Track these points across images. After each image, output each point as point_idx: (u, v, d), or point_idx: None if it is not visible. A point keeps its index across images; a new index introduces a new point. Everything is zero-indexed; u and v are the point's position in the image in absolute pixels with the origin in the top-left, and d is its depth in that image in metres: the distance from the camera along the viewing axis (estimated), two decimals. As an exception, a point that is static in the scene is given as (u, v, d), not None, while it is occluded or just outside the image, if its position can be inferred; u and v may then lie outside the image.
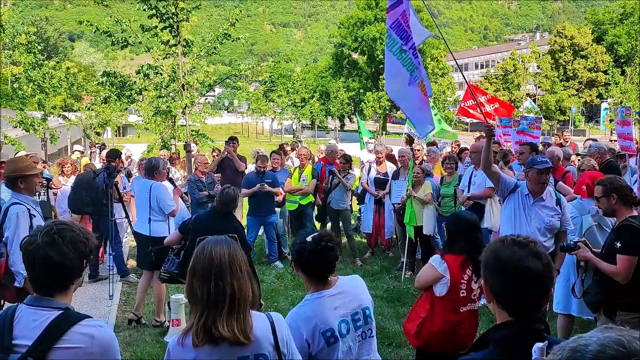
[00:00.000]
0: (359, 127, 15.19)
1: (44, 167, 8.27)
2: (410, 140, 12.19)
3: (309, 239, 2.74)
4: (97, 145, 15.97)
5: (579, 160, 8.77)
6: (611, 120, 32.54)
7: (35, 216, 4.63)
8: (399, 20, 5.52)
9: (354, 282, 2.92)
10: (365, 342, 2.82)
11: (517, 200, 5.02)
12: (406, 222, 8.09)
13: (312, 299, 2.76)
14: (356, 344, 2.77)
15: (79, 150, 13.78)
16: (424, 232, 8.10)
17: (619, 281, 3.93)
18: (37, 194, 7.99)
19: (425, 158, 9.99)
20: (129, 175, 9.96)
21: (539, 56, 55.91)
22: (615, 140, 12.66)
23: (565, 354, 1.17)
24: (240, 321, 2.21)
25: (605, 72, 48.98)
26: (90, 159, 14.35)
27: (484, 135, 5.15)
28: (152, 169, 6.59)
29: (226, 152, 9.99)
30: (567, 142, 12.28)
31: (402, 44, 5.57)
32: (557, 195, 5.09)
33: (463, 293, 3.80)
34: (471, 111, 14.10)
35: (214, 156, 10.95)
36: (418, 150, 10.19)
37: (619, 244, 3.94)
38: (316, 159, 11.25)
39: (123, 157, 12.58)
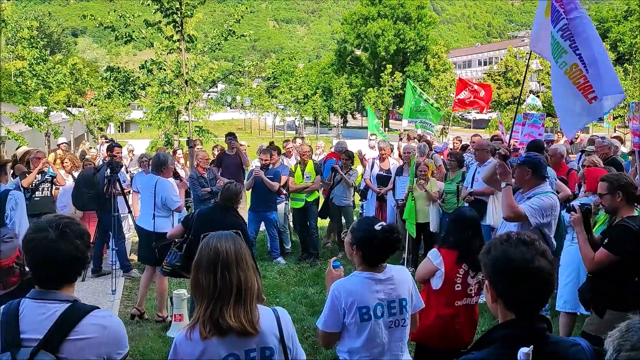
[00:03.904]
0: (368, 120, 14.97)
1: (47, 164, 8.26)
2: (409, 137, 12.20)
3: (377, 227, 2.93)
4: (106, 141, 15.83)
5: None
6: (615, 118, 32.47)
7: None
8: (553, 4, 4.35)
9: (400, 273, 3.05)
10: (397, 330, 2.99)
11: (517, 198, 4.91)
12: (405, 218, 8.11)
13: (360, 276, 2.96)
14: (387, 329, 2.94)
15: (65, 143, 12.77)
16: (431, 229, 8.12)
17: (586, 266, 3.97)
18: (41, 189, 8.05)
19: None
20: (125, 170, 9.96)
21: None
22: (617, 137, 12.66)
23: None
24: (247, 312, 2.23)
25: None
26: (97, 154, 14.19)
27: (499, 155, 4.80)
28: (160, 164, 6.52)
29: (235, 148, 9.98)
30: (577, 138, 12.29)
31: (552, 29, 4.42)
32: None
33: (458, 287, 3.83)
34: (466, 100, 14.10)
35: (214, 153, 10.93)
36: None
37: (606, 240, 3.89)
38: (314, 155, 11.27)
39: (125, 152, 12.58)
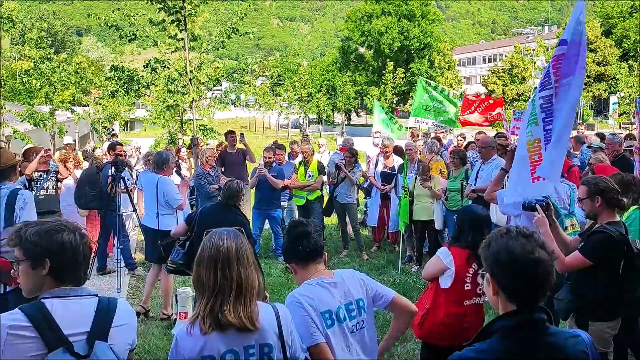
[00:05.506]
0: (374, 114, 14.77)
1: (49, 156, 8.28)
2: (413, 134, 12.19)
3: (286, 229, 2.96)
4: (109, 136, 15.82)
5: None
6: (620, 115, 32.32)
7: None
8: (548, 68, 4.14)
9: (349, 274, 2.92)
10: (358, 333, 2.84)
11: None
12: (397, 214, 8.21)
13: (313, 283, 2.78)
14: (350, 333, 2.79)
15: (70, 143, 12.82)
16: (436, 227, 8.13)
17: (557, 267, 3.76)
18: (45, 187, 8.06)
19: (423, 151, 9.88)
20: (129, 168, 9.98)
21: (547, 50, 55.43)
22: (629, 135, 12.60)
23: None
24: (247, 308, 2.25)
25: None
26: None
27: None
28: (161, 162, 6.59)
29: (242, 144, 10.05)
30: (582, 135, 12.29)
31: (536, 94, 4.20)
32: None
33: (468, 286, 3.81)
34: (472, 119, 14.02)
35: (219, 150, 10.96)
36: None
37: (582, 244, 3.80)
38: (317, 153, 11.29)
39: (130, 149, 12.61)
